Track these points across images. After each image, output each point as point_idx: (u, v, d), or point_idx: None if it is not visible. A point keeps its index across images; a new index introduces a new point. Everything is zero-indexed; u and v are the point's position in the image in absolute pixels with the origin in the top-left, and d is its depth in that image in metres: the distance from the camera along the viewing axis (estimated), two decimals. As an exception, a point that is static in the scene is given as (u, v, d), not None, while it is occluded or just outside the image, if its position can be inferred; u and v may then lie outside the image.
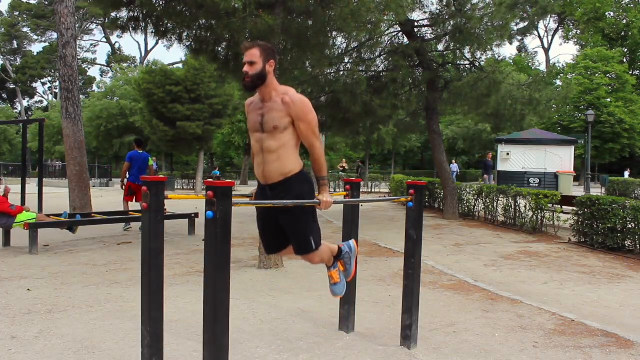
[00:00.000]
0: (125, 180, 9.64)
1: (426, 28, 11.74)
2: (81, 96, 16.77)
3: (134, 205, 9.51)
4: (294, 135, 2.90)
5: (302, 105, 2.84)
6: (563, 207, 9.95)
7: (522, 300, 4.95)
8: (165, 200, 2.75)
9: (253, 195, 3.17)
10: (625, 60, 40.10)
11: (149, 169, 9.71)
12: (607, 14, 42.55)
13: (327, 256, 3.18)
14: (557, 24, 50.22)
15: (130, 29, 7.73)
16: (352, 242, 3.47)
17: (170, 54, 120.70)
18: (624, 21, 41.98)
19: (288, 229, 2.99)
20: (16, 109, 56.11)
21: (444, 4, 11.03)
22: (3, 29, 52.64)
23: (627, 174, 29.76)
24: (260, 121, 2.90)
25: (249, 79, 2.84)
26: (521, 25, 11.93)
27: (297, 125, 2.87)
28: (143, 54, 51.55)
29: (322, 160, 2.97)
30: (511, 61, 41.02)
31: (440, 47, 12.02)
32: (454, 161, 29.27)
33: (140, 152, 9.67)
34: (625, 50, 40.97)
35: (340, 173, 25.48)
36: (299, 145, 2.97)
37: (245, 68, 2.84)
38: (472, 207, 12.02)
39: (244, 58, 2.87)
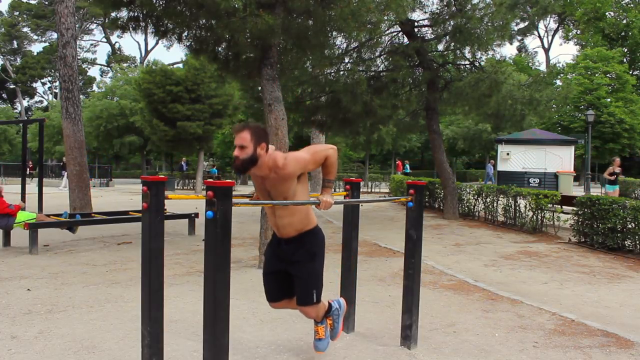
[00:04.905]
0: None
1: (426, 28, 11.73)
2: (81, 96, 16.76)
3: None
4: (303, 193, 2.97)
5: (297, 162, 2.86)
6: (563, 207, 9.95)
7: (522, 300, 4.95)
8: (165, 200, 2.76)
9: (253, 195, 3.19)
10: (625, 60, 40.03)
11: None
12: (607, 13, 42.49)
13: (321, 313, 3.24)
14: (557, 24, 50.22)
15: (130, 29, 7.71)
16: (341, 299, 3.50)
17: (170, 54, 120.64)
18: (624, 21, 41.93)
19: (296, 278, 3.08)
20: (16, 109, 56.07)
21: (444, 4, 11.01)
22: (3, 29, 52.60)
23: None
24: (268, 194, 2.97)
25: (239, 163, 2.82)
26: (521, 25, 11.94)
27: (309, 168, 2.96)
28: (143, 54, 51.64)
29: (333, 166, 3.05)
30: (511, 61, 40.97)
31: (440, 47, 12.01)
32: (491, 162, 27.46)
33: None
34: (625, 50, 40.89)
35: (607, 185, 13.30)
36: (308, 197, 3.05)
37: (236, 152, 2.82)
38: (472, 207, 12.02)
39: (234, 140, 2.83)
